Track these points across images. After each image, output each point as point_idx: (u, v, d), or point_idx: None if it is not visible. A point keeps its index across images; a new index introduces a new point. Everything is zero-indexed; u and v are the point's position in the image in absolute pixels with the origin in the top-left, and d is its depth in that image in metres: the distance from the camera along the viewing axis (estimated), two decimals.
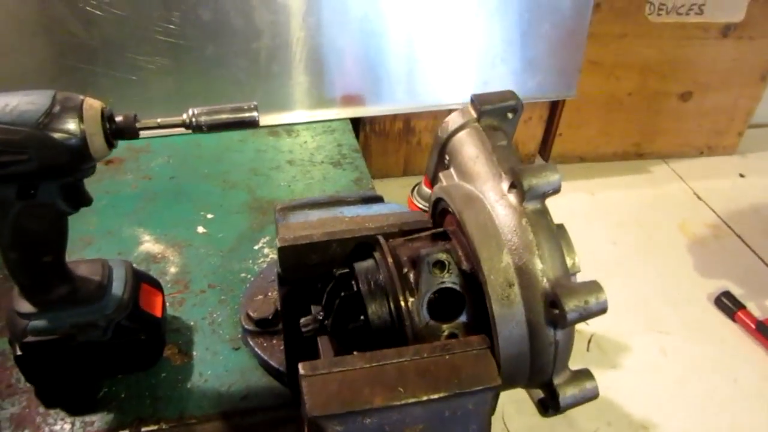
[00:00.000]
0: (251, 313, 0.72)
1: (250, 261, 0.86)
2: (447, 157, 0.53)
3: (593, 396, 0.48)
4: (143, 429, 0.64)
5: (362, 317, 0.48)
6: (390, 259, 0.48)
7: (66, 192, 0.58)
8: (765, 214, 1.38)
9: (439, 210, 0.54)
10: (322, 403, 0.41)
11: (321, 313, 0.50)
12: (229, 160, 1.06)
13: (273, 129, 1.16)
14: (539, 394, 0.49)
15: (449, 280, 0.47)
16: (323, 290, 0.50)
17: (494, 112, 0.52)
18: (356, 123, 1.26)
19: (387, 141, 1.34)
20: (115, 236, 0.88)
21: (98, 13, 1.00)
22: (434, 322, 0.47)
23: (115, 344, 0.65)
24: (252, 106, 0.59)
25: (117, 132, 0.56)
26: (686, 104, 1.44)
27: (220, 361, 0.72)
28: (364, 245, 0.55)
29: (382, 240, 0.50)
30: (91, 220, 0.91)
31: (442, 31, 1.19)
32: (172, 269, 0.84)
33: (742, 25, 1.33)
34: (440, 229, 0.52)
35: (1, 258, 0.59)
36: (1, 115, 0.50)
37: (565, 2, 1.20)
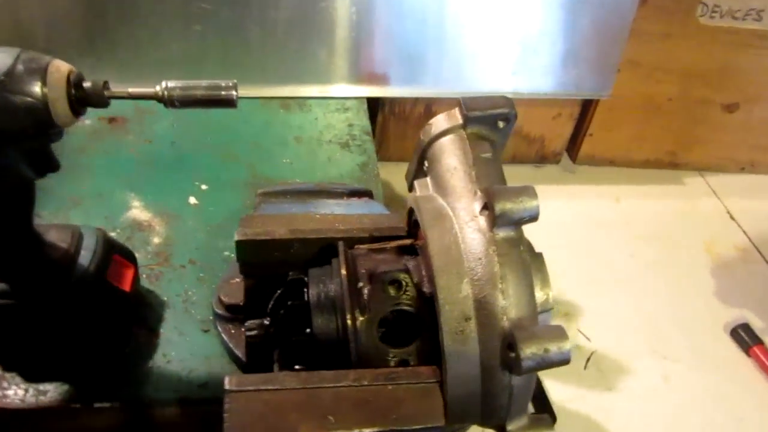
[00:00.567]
0: (223, 297, 0.69)
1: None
2: (426, 164, 0.48)
3: None
4: (95, 404, 0.63)
5: (308, 330, 0.44)
6: (344, 271, 0.44)
7: (30, 157, 0.55)
8: None
9: (413, 219, 0.49)
10: (242, 425, 0.38)
11: (268, 320, 0.46)
12: (235, 130, 1.03)
13: (285, 101, 1.12)
14: None
15: (405, 302, 0.42)
16: (273, 294, 0.46)
17: (483, 120, 0.46)
18: (374, 104, 1.21)
19: (406, 125, 1.28)
20: (105, 199, 0.86)
21: None
22: (384, 346, 0.43)
23: (77, 316, 0.63)
24: (230, 85, 0.55)
25: (83, 99, 0.53)
26: (731, 116, 1.34)
27: (187, 344, 0.69)
28: (330, 248, 0.51)
29: (341, 247, 0.46)
30: (85, 180, 0.89)
31: (477, 13, 1.12)
32: (156, 240, 0.81)
33: None
34: (408, 242, 0.47)
35: None
36: None
37: None
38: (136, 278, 0.70)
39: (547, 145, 1.37)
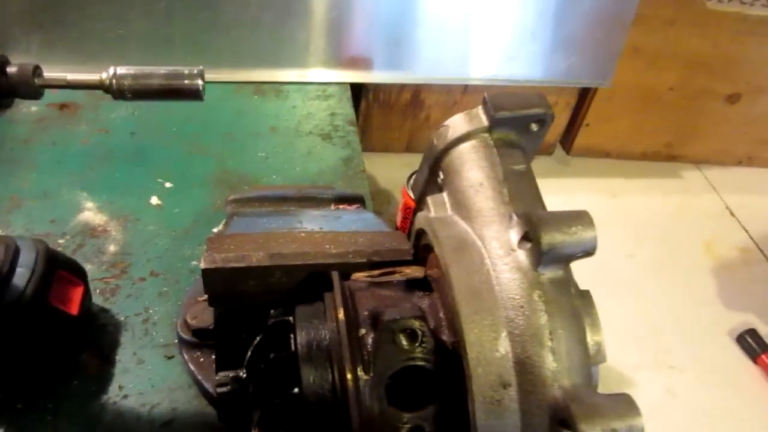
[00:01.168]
0: (189, 320, 0.59)
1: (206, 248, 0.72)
2: (441, 175, 0.39)
3: None
4: None
5: (296, 389, 0.34)
6: (342, 315, 0.34)
7: None
8: None
9: (423, 243, 0.40)
10: None
11: (244, 372, 0.37)
12: (203, 120, 0.92)
13: (260, 87, 1.01)
14: None
15: (420, 356, 0.33)
16: (249, 342, 0.36)
17: (513, 122, 0.37)
18: (357, 90, 1.11)
19: (391, 113, 1.19)
20: (52, 199, 0.75)
21: None
22: (393, 409, 0.34)
23: (12, 345, 0.52)
24: (195, 72, 0.45)
25: (8, 88, 0.42)
26: (732, 107, 1.27)
27: (147, 373, 0.59)
28: (320, 275, 0.41)
29: (336, 281, 0.36)
30: (28, 176, 0.78)
31: None
32: (111, 248, 0.71)
33: None
34: (420, 273, 0.38)
35: None
36: None
37: None
38: (86, 297, 0.60)
39: None
